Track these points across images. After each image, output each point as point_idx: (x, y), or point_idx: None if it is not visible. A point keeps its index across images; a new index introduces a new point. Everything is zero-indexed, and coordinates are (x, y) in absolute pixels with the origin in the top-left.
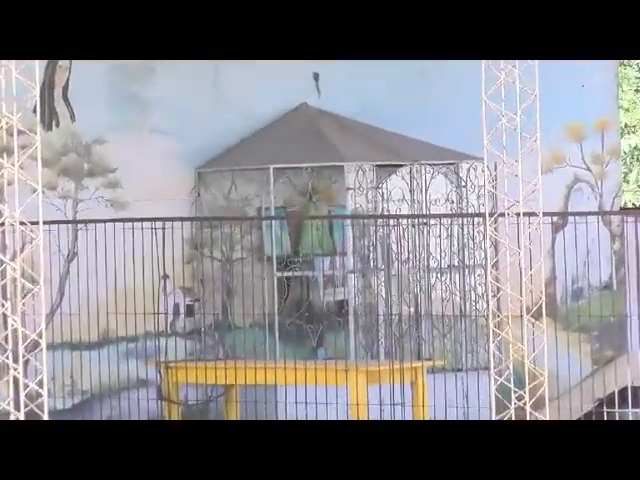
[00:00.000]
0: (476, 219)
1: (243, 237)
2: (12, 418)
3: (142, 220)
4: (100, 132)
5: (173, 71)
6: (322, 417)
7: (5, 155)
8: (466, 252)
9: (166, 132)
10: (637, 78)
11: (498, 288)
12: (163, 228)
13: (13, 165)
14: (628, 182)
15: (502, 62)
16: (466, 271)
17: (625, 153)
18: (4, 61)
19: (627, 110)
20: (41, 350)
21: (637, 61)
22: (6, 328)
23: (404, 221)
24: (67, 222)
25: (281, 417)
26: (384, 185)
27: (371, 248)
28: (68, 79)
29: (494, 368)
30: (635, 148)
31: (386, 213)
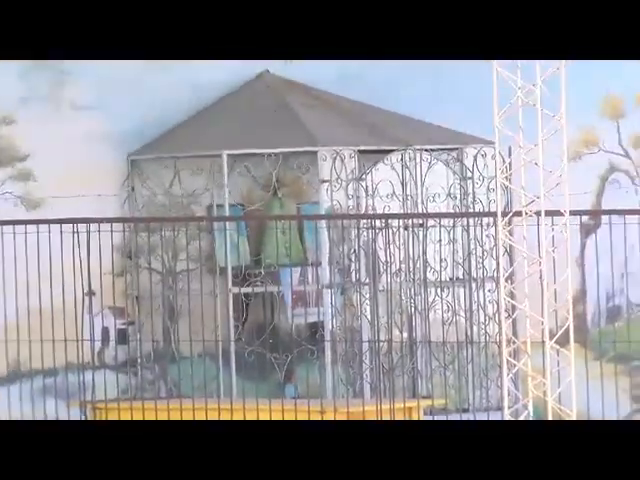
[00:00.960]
0: (485, 219)
1: (189, 243)
2: None
3: (61, 222)
4: (7, 109)
5: None
6: None
7: None
8: (473, 261)
9: (91, 108)
10: None
11: (514, 307)
12: (88, 232)
13: None
14: None
15: None
16: (473, 285)
17: None
18: None
19: None
20: None
21: None
22: None
23: (394, 222)
24: None
25: None
26: (368, 176)
27: (352, 256)
28: None
29: (509, 408)
30: None
31: (371, 212)
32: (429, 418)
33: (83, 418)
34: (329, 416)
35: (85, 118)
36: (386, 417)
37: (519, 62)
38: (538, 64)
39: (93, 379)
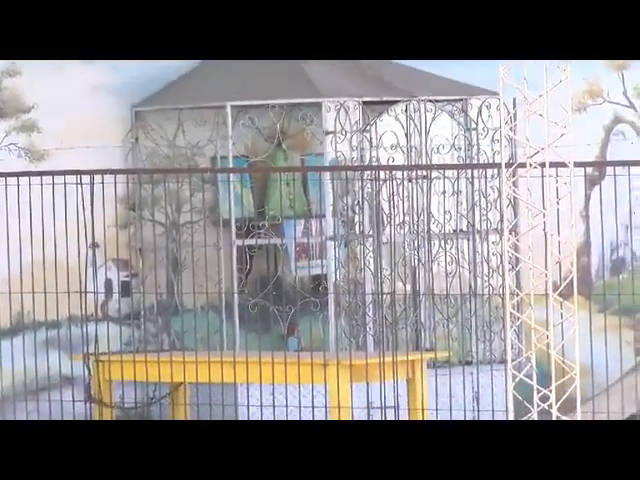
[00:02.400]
0: (489, 171)
1: (193, 195)
2: None
3: (65, 173)
4: (10, 60)
5: None
6: None
7: None
8: (477, 213)
9: (94, 59)
10: None
11: (517, 259)
12: (91, 183)
13: None
14: None
15: None
16: (477, 238)
17: None
18: None
19: None
20: None
21: None
22: None
23: (398, 174)
24: None
25: None
26: (373, 128)
27: (356, 208)
28: None
29: (512, 361)
30: None
31: (375, 163)
32: (432, 371)
33: (86, 371)
34: (332, 369)
35: (89, 70)
36: (389, 370)
37: None
38: None
39: (96, 331)
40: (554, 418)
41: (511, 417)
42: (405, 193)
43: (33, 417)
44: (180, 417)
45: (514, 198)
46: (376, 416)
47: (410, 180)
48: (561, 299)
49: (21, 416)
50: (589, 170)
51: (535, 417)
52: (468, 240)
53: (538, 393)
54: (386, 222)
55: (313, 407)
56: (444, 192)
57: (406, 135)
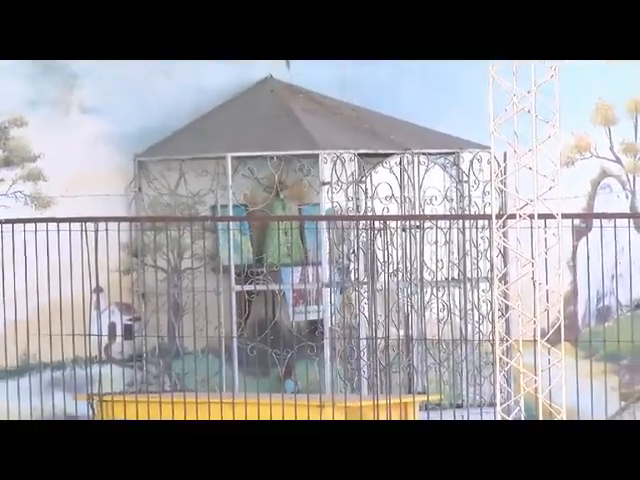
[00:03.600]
0: (480, 222)
1: (194, 242)
2: None
3: (70, 220)
4: (18, 111)
5: None
6: None
7: None
8: (468, 262)
9: (99, 110)
10: None
11: (507, 307)
12: (96, 230)
13: None
14: None
15: None
16: (468, 285)
17: None
18: None
19: None
20: None
21: None
22: None
23: (392, 224)
24: None
25: None
26: (368, 179)
27: (352, 257)
28: None
29: (501, 404)
30: None
31: (370, 213)
32: (424, 413)
33: (90, 411)
34: (327, 411)
35: (93, 121)
36: (382, 412)
37: (514, 69)
38: (533, 71)
39: (100, 373)
40: None
41: None
42: (399, 242)
43: None
44: None
45: (504, 248)
46: None
47: (404, 230)
48: (549, 345)
49: None
50: (576, 222)
51: None
52: (459, 288)
53: None
54: (380, 270)
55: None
56: (436, 242)
57: (400, 186)
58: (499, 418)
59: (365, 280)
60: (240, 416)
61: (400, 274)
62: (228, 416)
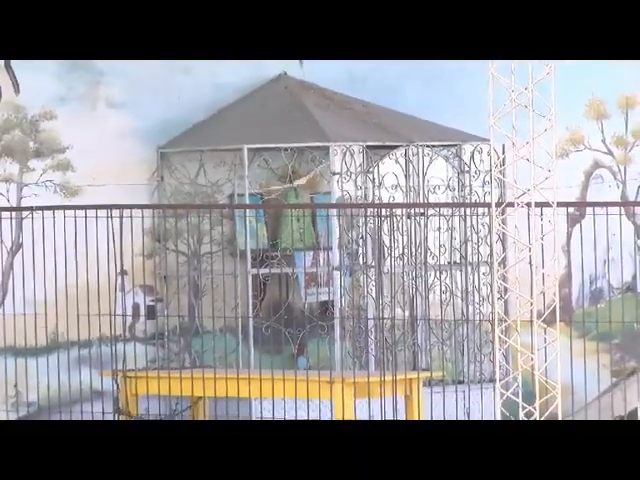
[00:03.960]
0: (481, 209)
1: (213, 228)
2: None
3: (97, 207)
4: (48, 106)
5: None
6: None
7: None
8: (469, 247)
9: (124, 105)
10: None
11: (505, 289)
12: (121, 217)
13: None
14: None
15: None
16: (469, 269)
17: None
18: None
19: None
20: None
21: None
22: None
23: (398, 211)
24: (10, 209)
25: None
26: (375, 169)
27: (360, 242)
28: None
29: (500, 380)
30: None
31: (377, 201)
32: (428, 389)
33: (115, 386)
34: (337, 386)
35: (118, 115)
36: (389, 388)
37: (513, 67)
38: (530, 69)
39: (124, 350)
40: None
41: None
42: (404, 228)
43: None
44: None
45: (503, 234)
46: None
47: (409, 217)
48: (545, 325)
49: None
50: (571, 210)
51: None
52: (461, 271)
53: (523, 409)
54: (387, 254)
55: (320, 420)
56: (439, 228)
57: (405, 176)
58: (498, 393)
59: (372, 264)
60: (255, 391)
61: (405, 258)
62: (244, 392)
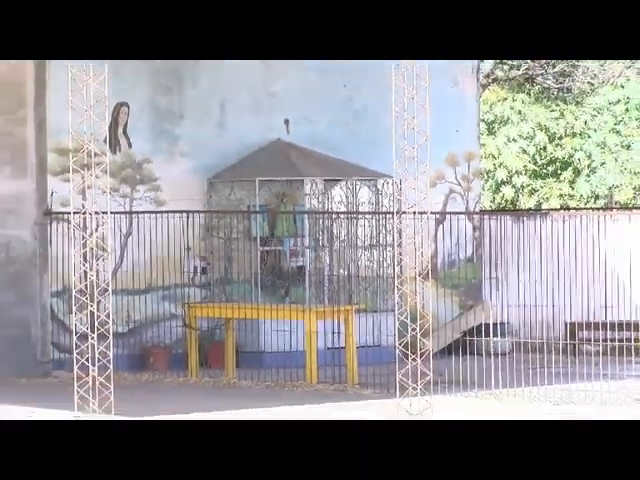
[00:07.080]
0: (388, 215)
1: (239, 224)
2: (89, 340)
3: (174, 212)
4: (147, 155)
5: (193, 115)
6: (288, 340)
7: (86, 169)
8: (381, 236)
9: (188, 155)
10: (490, 123)
11: (401, 259)
12: (187, 217)
13: (91, 175)
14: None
15: (405, 114)
16: (381, 249)
17: (483, 174)
18: (85, 107)
19: (484, 145)
20: (108, 294)
21: (496, 112)
22: (86, 279)
23: (342, 216)
24: (125, 213)
25: (262, 340)
26: (329, 192)
27: (320, 233)
28: (127, 119)
29: (397, 310)
30: (488, 171)
31: (330, 210)
32: (357, 315)
33: (182, 312)
34: (307, 313)
35: (186, 161)
36: (336, 315)
37: (406, 134)
38: (415, 138)
39: (188, 291)
40: (418, 340)
41: (396, 339)
42: (345, 226)
43: (155, 334)
44: (230, 336)
45: (400, 230)
46: (328, 338)
47: (347, 219)
48: (422, 280)
49: (149, 334)
50: (437, 216)
51: (408, 340)
52: (377, 250)
53: (410, 327)
54: (335, 240)
55: (297, 332)
56: (364, 225)
57: (346, 197)
58: (396, 318)
59: (327, 245)
60: (261, 315)
61: (345, 242)
62: (255, 316)
